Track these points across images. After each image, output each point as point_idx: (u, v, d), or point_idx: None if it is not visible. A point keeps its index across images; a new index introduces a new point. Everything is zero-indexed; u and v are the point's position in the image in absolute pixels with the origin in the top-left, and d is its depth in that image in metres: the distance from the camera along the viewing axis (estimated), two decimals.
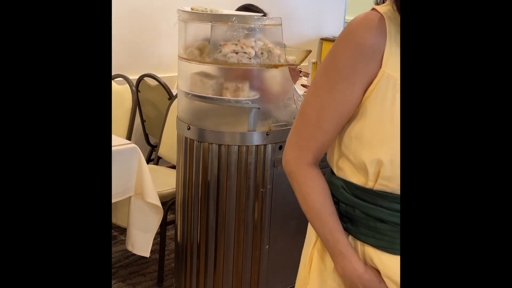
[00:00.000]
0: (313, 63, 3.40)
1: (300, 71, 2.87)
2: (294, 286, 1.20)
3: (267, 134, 1.98)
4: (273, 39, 1.96)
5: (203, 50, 1.95)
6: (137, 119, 2.95)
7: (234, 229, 2.04)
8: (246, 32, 1.90)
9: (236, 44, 1.88)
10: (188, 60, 1.97)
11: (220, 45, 1.90)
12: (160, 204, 2.21)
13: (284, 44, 2.01)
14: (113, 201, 2.10)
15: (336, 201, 1.06)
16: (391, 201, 0.98)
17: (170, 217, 2.47)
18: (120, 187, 2.12)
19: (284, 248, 2.15)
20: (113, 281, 2.49)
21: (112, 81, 2.92)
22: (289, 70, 2.06)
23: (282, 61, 1.97)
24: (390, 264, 0.99)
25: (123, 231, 2.74)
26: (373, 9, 0.97)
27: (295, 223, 2.13)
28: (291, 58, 2.10)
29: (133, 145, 2.16)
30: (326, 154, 1.10)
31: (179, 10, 1.97)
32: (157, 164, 2.91)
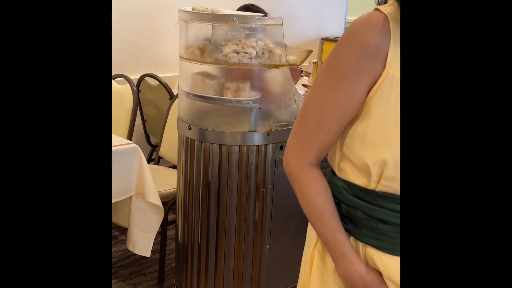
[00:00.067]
0: (314, 63, 3.40)
1: (301, 71, 2.87)
2: (294, 286, 1.20)
3: (268, 134, 1.98)
4: (274, 39, 1.96)
5: (204, 50, 1.95)
6: (138, 119, 2.95)
7: (235, 229, 2.04)
8: (247, 32, 1.90)
9: (237, 44, 1.88)
10: (189, 60, 1.97)
11: (221, 45, 1.90)
12: (161, 204, 2.21)
13: (285, 44, 2.01)
14: (114, 201, 2.10)
15: (338, 202, 1.05)
16: (393, 202, 0.98)
17: (171, 217, 2.47)
18: (121, 187, 2.12)
19: (285, 248, 2.15)
20: (113, 281, 2.49)
21: (113, 81, 2.92)
22: (290, 70, 2.06)
23: (283, 61, 1.97)
24: (391, 266, 0.99)
25: (124, 231, 2.73)
26: (377, 9, 0.96)
27: (296, 223, 2.13)
28: (292, 58, 2.10)
29: (134, 145, 2.16)
30: (326, 154, 1.10)
31: (180, 10, 1.97)
32: (158, 164, 2.91)
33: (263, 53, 1.91)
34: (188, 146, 2.04)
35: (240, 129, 2.00)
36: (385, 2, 0.99)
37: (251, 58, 1.88)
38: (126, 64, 3.34)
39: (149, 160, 3.05)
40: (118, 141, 2.15)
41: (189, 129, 2.00)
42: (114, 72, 2.97)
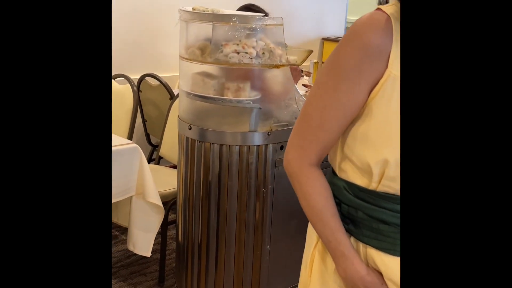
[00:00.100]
0: (314, 63, 3.41)
1: (302, 71, 2.87)
2: (295, 286, 1.20)
3: (268, 134, 1.98)
4: (274, 39, 1.95)
5: (205, 50, 1.95)
6: (138, 119, 2.95)
7: (235, 229, 2.04)
8: (247, 32, 1.90)
9: (237, 44, 1.88)
10: (190, 60, 1.97)
11: (222, 45, 1.90)
12: (161, 204, 2.21)
13: (286, 44, 2.01)
14: (114, 200, 2.10)
15: (338, 202, 1.05)
16: (394, 202, 0.98)
17: (171, 217, 2.47)
18: (121, 186, 2.12)
19: (285, 248, 2.15)
20: (114, 281, 2.49)
21: (113, 80, 2.92)
22: (290, 70, 2.06)
23: (284, 61, 1.97)
24: (392, 266, 0.99)
25: (124, 230, 2.73)
26: (379, 9, 0.96)
27: (296, 223, 2.13)
28: (293, 58, 2.10)
29: (134, 145, 2.16)
30: (327, 154, 1.10)
31: (181, 10, 1.97)
32: (158, 164, 2.91)
33: (263, 53, 1.91)
34: (188, 146, 2.04)
35: (240, 129, 2.00)
36: (387, 2, 0.99)
37: (251, 58, 1.88)
38: (127, 64, 3.34)
39: (150, 160, 3.05)
40: (119, 141, 2.15)
41: (190, 129, 2.00)
42: (114, 72, 2.97)
